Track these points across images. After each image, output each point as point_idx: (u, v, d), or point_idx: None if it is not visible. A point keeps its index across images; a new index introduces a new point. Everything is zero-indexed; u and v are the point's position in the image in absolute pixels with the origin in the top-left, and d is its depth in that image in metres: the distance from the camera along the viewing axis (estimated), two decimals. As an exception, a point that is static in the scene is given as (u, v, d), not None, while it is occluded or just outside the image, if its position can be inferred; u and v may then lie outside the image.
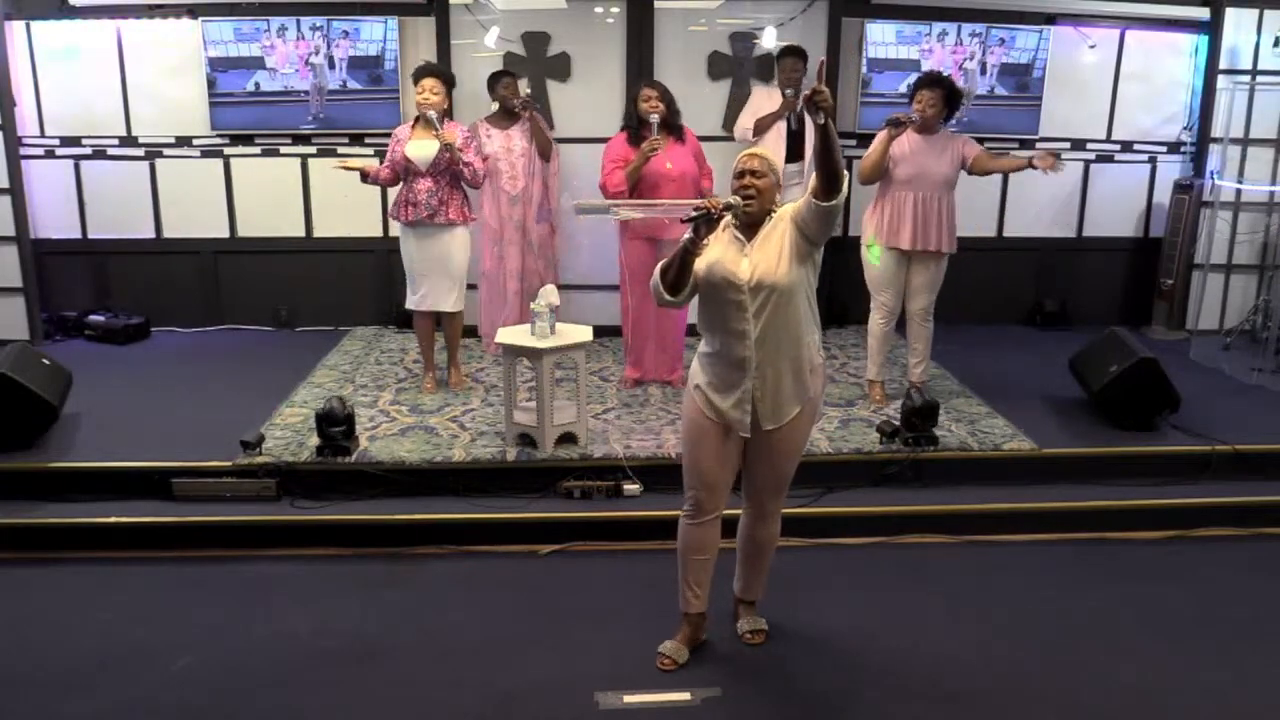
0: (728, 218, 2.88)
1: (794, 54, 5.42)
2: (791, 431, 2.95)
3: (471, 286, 5.63)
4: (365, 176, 4.71)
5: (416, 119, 4.70)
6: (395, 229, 4.93)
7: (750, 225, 2.87)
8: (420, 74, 4.66)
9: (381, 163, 4.81)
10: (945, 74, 4.90)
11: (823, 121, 2.62)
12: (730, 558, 3.26)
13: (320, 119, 5.94)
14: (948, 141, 4.60)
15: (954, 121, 5.97)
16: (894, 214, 4.58)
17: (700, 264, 2.86)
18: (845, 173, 2.75)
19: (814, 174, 2.76)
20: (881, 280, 4.70)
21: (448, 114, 4.81)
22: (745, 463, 3.05)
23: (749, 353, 2.84)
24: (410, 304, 4.90)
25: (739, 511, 3.18)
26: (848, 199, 6.30)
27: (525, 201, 5.37)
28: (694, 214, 2.78)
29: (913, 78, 4.73)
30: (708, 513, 3.04)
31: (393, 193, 4.87)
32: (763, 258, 2.81)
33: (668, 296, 2.90)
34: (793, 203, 2.88)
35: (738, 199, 2.84)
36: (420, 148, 4.61)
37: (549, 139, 5.39)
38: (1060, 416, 4.74)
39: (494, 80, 5.34)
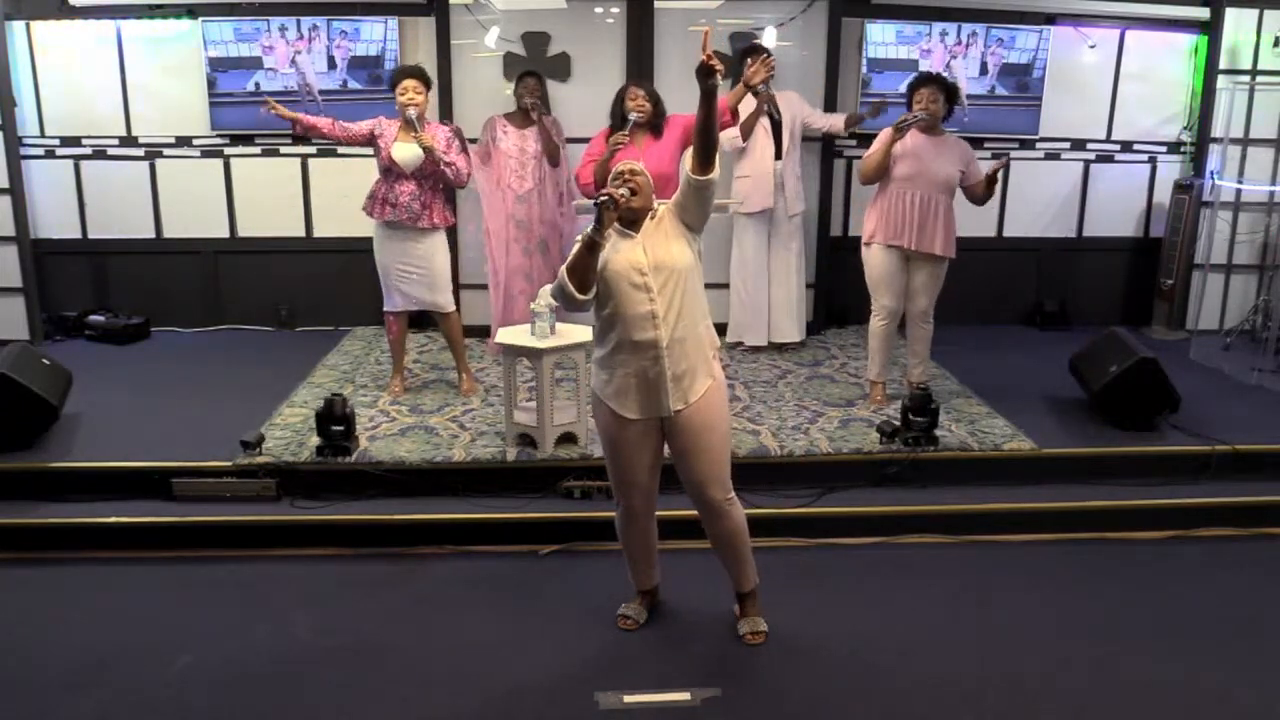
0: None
1: (756, 52, 5.42)
2: (705, 408, 3.01)
3: (480, 286, 5.62)
4: (295, 126, 4.63)
5: (405, 121, 4.60)
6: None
7: (633, 222, 2.97)
8: (401, 75, 4.58)
9: (352, 131, 4.62)
10: (938, 73, 4.90)
11: (715, 84, 2.75)
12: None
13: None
14: (952, 144, 4.59)
15: (952, 120, 5.96)
16: (893, 211, 4.55)
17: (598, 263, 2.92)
18: (720, 147, 2.91)
19: (690, 151, 2.90)
20: (881, 282, 4.68)
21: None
22: (676, 461, 3.09)
23: (658, 332, 2.92)
24: (386, 305, 4.83)
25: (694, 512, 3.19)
26: (847, 199, 6.25)
27: (531, 202, 5.36)
28: (599, 199, 2.84)
29: (907, 82, 4.72)
30: (639, 514, 3.18)
31: (365, 187, 4.72)
32: (655, 243, 2.96)
33: (579, 296, 2.91)
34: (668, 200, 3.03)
35: (625, 191, 2.90)
36: (406, 150, 4.56)
37: (555, 145, 5.38)
38: (1060, 416, 4.74)
39: (518, 81, 5.34)
